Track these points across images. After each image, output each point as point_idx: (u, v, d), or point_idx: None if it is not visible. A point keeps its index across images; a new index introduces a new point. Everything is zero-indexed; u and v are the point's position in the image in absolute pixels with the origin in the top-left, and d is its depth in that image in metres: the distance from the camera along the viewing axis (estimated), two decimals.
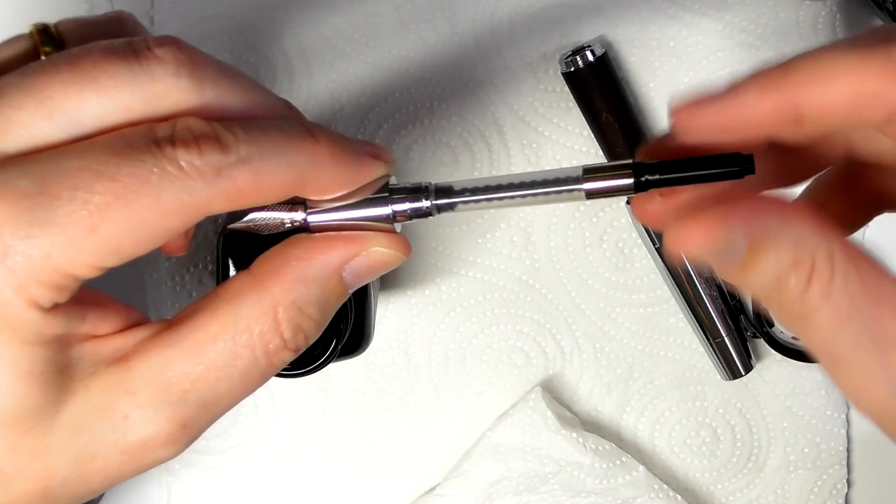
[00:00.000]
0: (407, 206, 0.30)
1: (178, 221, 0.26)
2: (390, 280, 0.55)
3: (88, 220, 0.25)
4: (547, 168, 0.54)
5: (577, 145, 0.54)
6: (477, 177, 0.54)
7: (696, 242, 0.27)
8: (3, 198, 0.25)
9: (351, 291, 0.29)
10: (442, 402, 0.56)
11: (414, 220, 0.30)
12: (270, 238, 0.41)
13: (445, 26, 0.53)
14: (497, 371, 0.56)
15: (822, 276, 0.27)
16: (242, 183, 0.26)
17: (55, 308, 0.26)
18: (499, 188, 0.30)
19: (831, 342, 0.27)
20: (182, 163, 0.25)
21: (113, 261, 0.26)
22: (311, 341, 0.29)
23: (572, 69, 0.51)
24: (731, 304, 0.55)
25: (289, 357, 0.28)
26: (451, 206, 0.30)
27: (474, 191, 0.30)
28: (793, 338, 0.55)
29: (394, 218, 0.30)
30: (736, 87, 0.28)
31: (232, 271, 0.44)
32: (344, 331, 0.44)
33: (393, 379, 0.56)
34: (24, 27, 0.31)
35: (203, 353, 0.27)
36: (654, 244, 0.53)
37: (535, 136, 0.54)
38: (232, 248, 0.45)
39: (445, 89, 0.53)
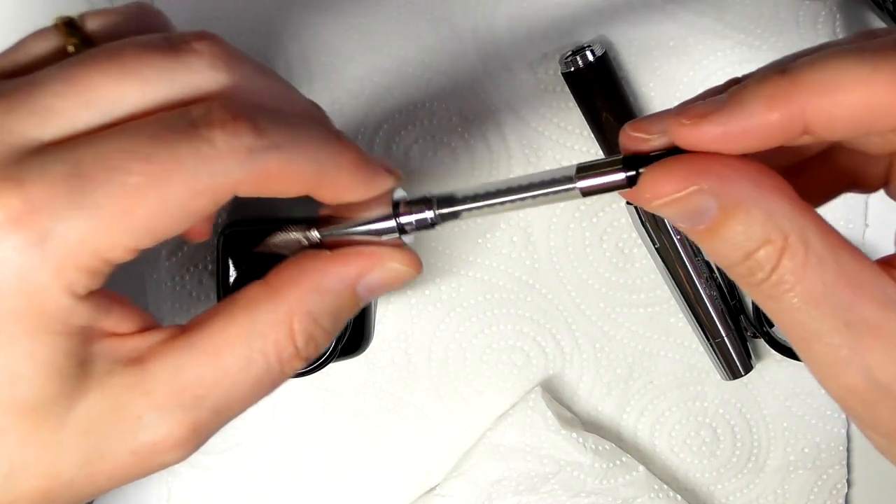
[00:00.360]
0: (412, 218, 0.31)
1: (209, 201, 0.26)
2: None
3: (125, 202, 0.25)
4: (546, 168, 0.54)
5: (577, 145, 0.54)
6: (476, 178, 0.54)
7: (664, 193, 0.28)
8: (40, 182, 0.25)
9: (363, 305, 0.30)
10: (442, 402, 0.56)
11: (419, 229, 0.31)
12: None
13: (445, 27, 0.53)
14: (497, 371, 0.56)
15: (796, 254, 0.27)
16: (273, 168, 0.27)
17: (87, 297, 0.26)
18: (498, 193, 0.30)
19: (802, 323, 0.27)
20: (218, 143, 0.26)
21: (147, 242, 0.26)
22: (321, 351, 0.29)
23: (572, 69, 0.51)
24: (731, 304, 0.55)
25: (300, 365, 0.29)
26: (454, 216, 0.31)
27: (475, 197, 0.31)
28: None
29: (401, 231, 0.30)
30: (741, 99, 0.27)
31: (232, 271, 0.44)
32: (344, 331, 0.44)
33: (393, 379, 0.56)
34: (23, 26, 0.31)
35: (219, 359, 0.27)
36: (653, 244, 0.53)
37: (535, 136, 0.54)
38: (232, 248, 0.45)
39: (445, 90, 0.53)
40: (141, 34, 0.28)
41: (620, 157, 0.29)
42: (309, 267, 0.29)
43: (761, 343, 0.55)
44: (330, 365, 0.44)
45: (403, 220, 0.31)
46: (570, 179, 0.30)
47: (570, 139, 0.54)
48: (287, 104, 0.29)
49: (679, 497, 0.56)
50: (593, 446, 0.55)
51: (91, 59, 0.27)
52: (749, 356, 0.55)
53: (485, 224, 0.55)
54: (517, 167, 0.54)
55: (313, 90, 0.53)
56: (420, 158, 0.54)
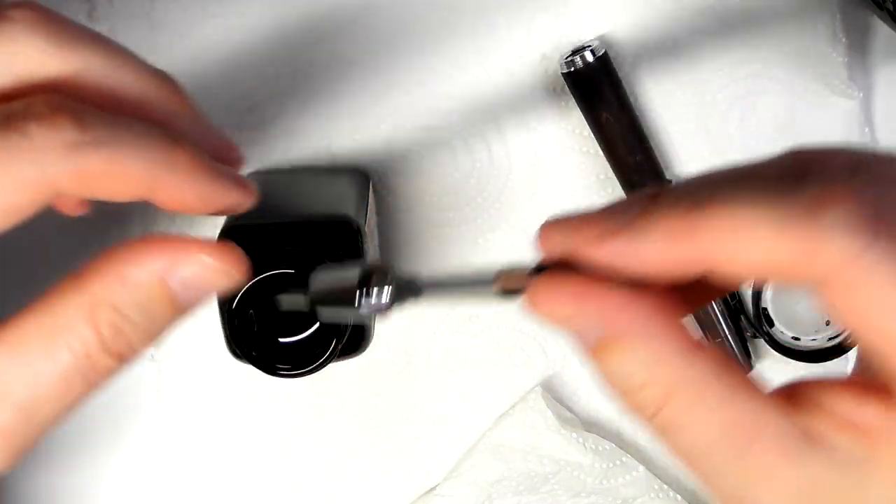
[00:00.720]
0: (373, 300, 0.30)
1: (28, 198, 0.25)
2: None
3: None
4: (545, 167, 0.54)
5: (577, 145, 0.54)
6: (477, 178, 0.54)
7: (548, 309, 0.26)
8: None
9: (186, 305, 0.28)
10: (442, 402, 0.56)
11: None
12: (274, 249, 0.41)
13: (444, 27, 0.53)
14: (497, 371, 0.56)
15: (684, 398, 0.25)
16: (95, 165, 0.25)
17: None
18: (432, 286, 0.30)
19: (695, 463, 0.25)
20: (34, 136, 0.25)
21: None
22: (139, 349, 0.27)
23: (572, 69, 0.51)
24: (731, 304, 0.55)
25: (113, 364, 0.27)
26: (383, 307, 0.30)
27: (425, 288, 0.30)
28: (793, 338, 0.55)
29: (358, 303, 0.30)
30: (644, 226, 0.25)
31: None
32: (344, 331, 0.44)
33: (393, 379, 0.56)
34: None
35: (20, 354, 0.26)
36: None
37: (535, 136, 0.54)
38: None
39: (445, 90, 0.53)
40: None
41: (536, 265, 0.29)
42: (116, 256, 0.27)
43: (761, 343, 0.55)
44: (330, 365, 0.44)
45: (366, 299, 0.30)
46: (488, 284, 0.29)
47: (570, 139, 0.54)
48: (123, 72, 0.28)
49: (679, 497, 0.56)
50: (593, 446, 0.55)
51: None
52: (749, 356, 0.55)
53: (485, 224, 0.55)
54: (517, 167, 0.54)
55: (313, 90, 0.53)
56: (420, 159, 0.54)
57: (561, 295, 0.26)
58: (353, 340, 0.46)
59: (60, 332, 0.26)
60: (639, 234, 0.25)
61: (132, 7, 0.52)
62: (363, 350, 0.49)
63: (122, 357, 0.27)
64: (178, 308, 0.28)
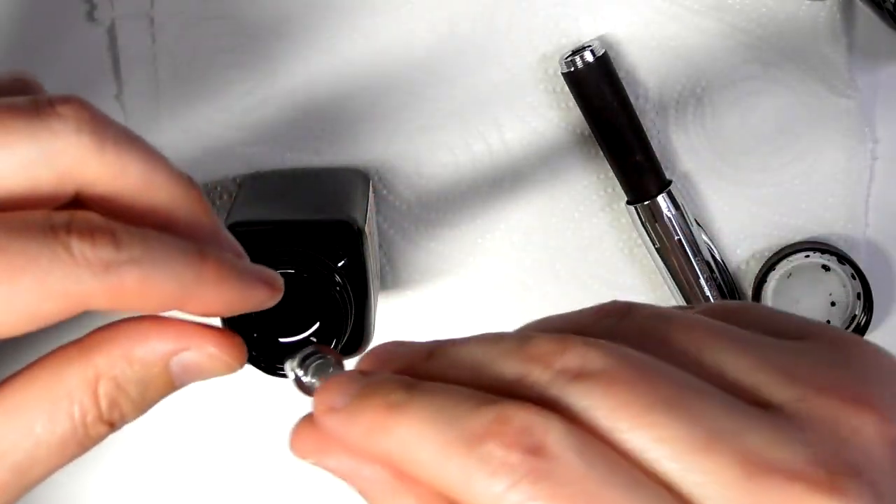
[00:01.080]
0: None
1: (58, 308, 0.26)
2: (390, 280, 0.55)
3: None
4: (546, 171, 0.54)
5: (577, 145, 0.54)
6: (478, 178, 0.54)
7: (301, 450, 0.27)
8: None
9: (179, 385, 0.29)
10: None
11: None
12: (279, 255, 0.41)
13: (444, 27, 0.53)
14: None
15: None
16: (128, 283, 0.26)
17: None
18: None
19: None
20: (74, 250, 0.26)
21: None
22: (130, 419, 0.29)
23: (572, 69, 0.51)
24: None
25: (104, 431, 0.28)
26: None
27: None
28: None
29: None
30: (348, 412, 0.26)
31: None
32: (344, 331, 0.44)
33: None
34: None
35: (22, 417, 0.27)
36: (654, 244, 0.53)
37: (535, 137, 0.54)
38: None
39: (445, 90, 0.53)
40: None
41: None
42: (124, 332, 0.28)
43: None
44: None
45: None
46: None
47: (570, 139, 0.54)
48: (154, 173, 0.29)
49: None
50: None
51: None
52: None
53: (484, 224, 0.55)
54: (517, 167, 0.54)
55: (312, 90, 0.53)
56: (420, 159, 0.54)
57: (309, 437, 0.27)
58: (353, 340, 0.46)
59: (62, 400, 0.27)
60: (352, 416, 0.25)
61: (132, 7, 0.52)
62: (363, 350, 0.49)
63: (114, 426, 0.28)
64: (173, 387, 0.29)
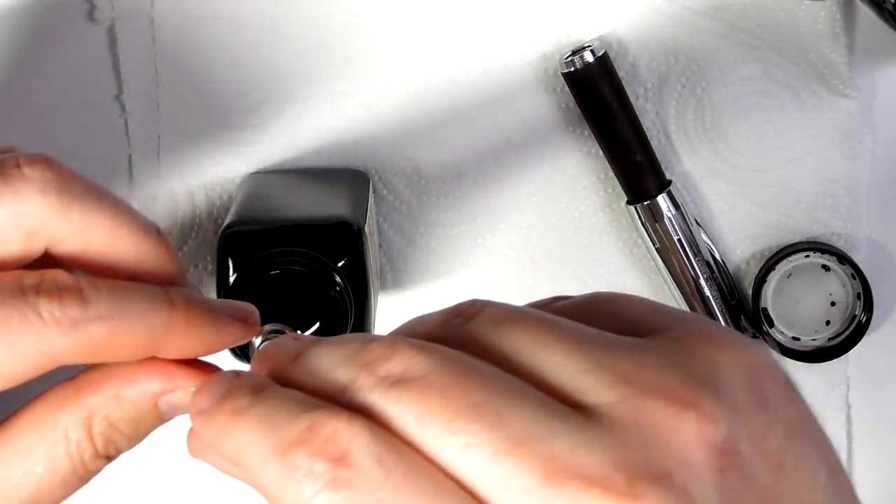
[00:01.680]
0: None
1: (31, 367, 0.27)
2: (390, 280, 0.55)
3: None
4: (546, 173, 0.54)
5: (577, 145, 0.54)
6: (478, 179, 0.54)
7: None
8: None
9: (169, 419, 0.31)
10: None
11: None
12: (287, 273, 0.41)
13: (444, 27, 0.53)
14: None
15: None
16: (98, 338, 0.27)
17: None
18: None
19: None
20: (43, 312, 0.27)
21: None
22: (124, 451, 0.30)
23: (572, 69, 0.51)
24: (731, 303, 0.55)
25: (102, 464, 0.30)
26: None
27: None
28: (793, 338, 0.55)
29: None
30: (213, 413, 0.26)
31: (232, 272, 0.44)
32: (344, 331, 0.44)
33: None
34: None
35: (24, 459, 0.28)
36: (654, 244, 0.53)
37: (535, 137, 0.54)
38: (232, 248, 0.45)
39: (445, 90, 0.53)
40: None
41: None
42: (115, 374, 0.29)
43: (761, 343, 0.55)
44: None
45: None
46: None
47: (570, 139, 0.54)
48: (121, 228, 0.30)
49: None
50: None
51: None
52: None
53: (484, 224, 0.55)
54: (518, 167, 0.54)
55: (312, 89, 0.53)
56: (420, 160, 0.54)
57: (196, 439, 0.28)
58: None
59: (60, 441, 0.29)
60: (203, 423, 0.26)
61: (132, 7, 0.52)
62: None
63: (111, 458, 0.30)
64: (162, 421, 0.31)
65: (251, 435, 0.24)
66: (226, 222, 0.46)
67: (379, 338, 0.25)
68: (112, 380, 0.29)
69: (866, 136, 0.54)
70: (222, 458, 0.25)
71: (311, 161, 0.54)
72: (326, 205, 0.49)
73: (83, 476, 0.29)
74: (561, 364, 0.24)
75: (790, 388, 0.26)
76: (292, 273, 0.43)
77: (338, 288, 0.43)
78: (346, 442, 0.23)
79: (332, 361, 0.25)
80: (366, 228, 0.46)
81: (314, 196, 0.50)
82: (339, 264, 0.44)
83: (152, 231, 0.31)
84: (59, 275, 0.28)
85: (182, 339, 0.29)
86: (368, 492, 0.22)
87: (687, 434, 0.23)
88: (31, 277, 0.28)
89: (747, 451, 0.24)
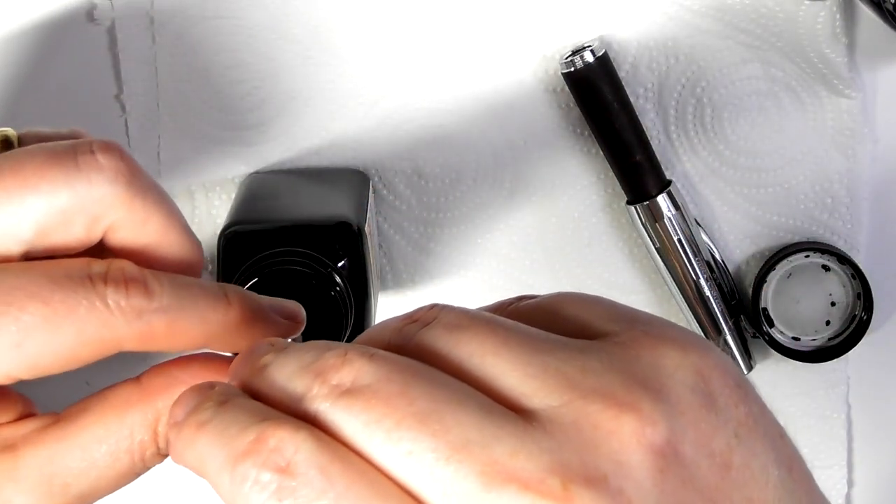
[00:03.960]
0: None
1: (94, 352, 0.29)
2: (390, 280, 0.55)
3: (15, 336, 0.28)
4: (546, 174, 0.54)
5: (577, 145, 0.54)
6: (478, 178, 0.54)
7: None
8: None
9: None
10: None
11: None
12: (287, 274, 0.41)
13: (444, 27, 0.53)
14: None
15: None
16: (158, 329, 0.29)
17: None
18: None
19: None
20: (109, 301, 0.28)
21: (27, 375, 0.28)
22: None
23: (572, 69, 0.51)
24: (731, 303, 0.55)
25: (160, 461, 0.31)
26: None
27: None
28: (793, 338, 0.55)
29: None
30: (174, 429, 0.27)
31: (232, 272, 0.44)
32: (344, 331, 0.44)
33: None
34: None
35: (87, 453, 0.30)
36: (654, 244, 0.53)
37: (535, 137, 0.54)
38: (233, 248, 0.45)
39: (445, 90, 0.53)
40: None
41: None
42: (181, 378, 0.31)
43: (761, 343, 0.55)
44: None
45: None
46: None
47: (570, 139, 0.54)
48: (169, 235, 0.31)
49: None
50: None
51: None
52: (749, 356, 0.55)
53: (483, 225, 0.55)
54: (519, 167, 0.54)
55: (312, 90, 0.53)
56: (420, 160, 0.54)
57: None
58: (354, 338, 0.46)
59: (125, 440, 0.30)
60: (175, 434, 0.27)
61: (132, 7, 0.52)
62: None
63: (165, 457, 0.31)
64: None
65: (209, 446, 0.25)
66: (226, 222, 0.46)
67: (335, 346, 0.26)
68: (179, 385, 0.30)
69: (866, 136, 0.54)
70: (190, 469, 0.26)
71: (311, 161, 0.54)
72: (326, 205, 0.49)
73: (139, 472, 0.30)
74: (507, 369, 0.25)
75: (741, 387, 0.26)
76: (292, 273, 0.43)
77: (338, 288, 0.43)
78: (290, 452, 0.23)
79: (290, 371, 0.26)
80: (366, 228, 0.46)
81: (314, 196, 0.50)
82: (339, 264, 0.44)
83: (195, 238, 0.33)
84: (125, 265, 0.29)
85: (234, 334, 0.30)
86: (312, 500, 0.23)
87: (625, 436, 0.23)
88: (98, 265, 0.29)
89: (691, 453, 0.24)
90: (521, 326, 0.26)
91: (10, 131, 0.33)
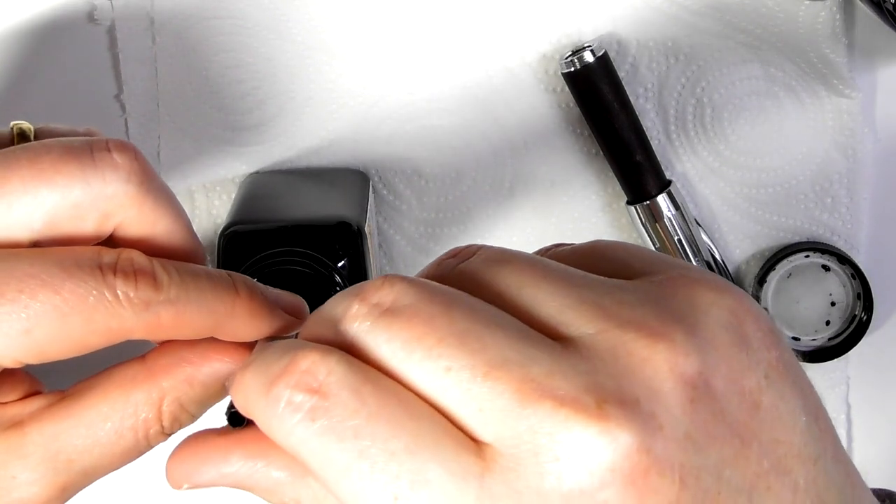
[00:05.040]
0: None
1: (101, 340, 0.29)
2: None
3: (25, 323, 0.28)
4: (547, 172, 0.54)
5: (577, 145, 0.54)
6: (480, 179, 0.54)
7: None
8: None
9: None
10: None
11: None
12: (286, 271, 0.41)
13: (444, 28, 0.53)
14: None
15: None
16: (165, 320, 0.29)
17: None
18: None
19: None
20: (118, 291, 0.29)
21: (35, 360, 0.29)
22: (185, 427, 0.32)
23: (572, 69, 0.51)
24: None
25: (163, 440, 0.31)
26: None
27: None
28: (793, 338, 0.55)
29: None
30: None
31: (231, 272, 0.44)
32: None
33: None
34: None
35: (92, 430, 0.30)
36: (654, 244, 0.53)
37: (535, 136, 0.54)
38: (232, 248, 0.45)
39: (445, 90, 0.53)
40: None
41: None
42: (186, 358, 0.31)
43: None
44: None
45: None
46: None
47: (570, 139, 0.54)
48: (175, 236, 0.32)
49: None
50: None
51: (14, 160, 0.30)
52: None
53: (482, 226, 0.55)
54: (519, 167, 0.54)
55: (312, 90, 0.53)
56: (421, 160, 0.54)
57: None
58: None
59: (129, 417, 0.30)
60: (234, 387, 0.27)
61: (132, 7, 0.52)
62: None
63: (172, 434, 0.32)
64: (223, 397, 0.32)
65: (251, 381, 0.26)
66: (226, 222, 0.46)
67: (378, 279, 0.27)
68: (184, 364, 0.31)
69: (866, 136, 0.54)
70: (241, 411, 0.27)
71: (311, 161, 0.54)
72: (326, 205, 0.49)
73: (143, 450, 0.31)
74: (546, 300, 0.26)
75: (774, 333, 0.26)
76: (292, 273, 0.43)
77: (338, 288, 0.43)
78: (323, 374, 0.24)
79: (338, 299, 0.27)
80: (366, 228, 0.46)
81: (314, 196, 0.50)
82: (339, 264, 0.44)
83: (199, 241, 0.33)
84: (134, 255, 0.30)
85: (240, 324, 0.31)
86: (345, 419, 0.24)
87: (658, 364, 0.24)
88: (109, 255, 0.29)
89: (721, 387, 0.25)
90: (560, 265, 0.27)
91: (25, 124, 0.34)
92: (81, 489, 0.31)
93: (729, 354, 0.25)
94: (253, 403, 0.25)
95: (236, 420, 0.29)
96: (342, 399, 0.24)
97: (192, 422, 0.32)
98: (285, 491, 0.28)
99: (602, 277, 0.27)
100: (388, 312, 0.25)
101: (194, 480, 0.29)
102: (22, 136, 0.34)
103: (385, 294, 0.25)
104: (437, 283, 0.26)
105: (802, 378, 0.27)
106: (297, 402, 0.24)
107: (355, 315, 0.25)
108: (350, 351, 0.25)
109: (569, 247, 0.30)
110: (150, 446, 0.31)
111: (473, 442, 0.24)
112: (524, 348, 0.24)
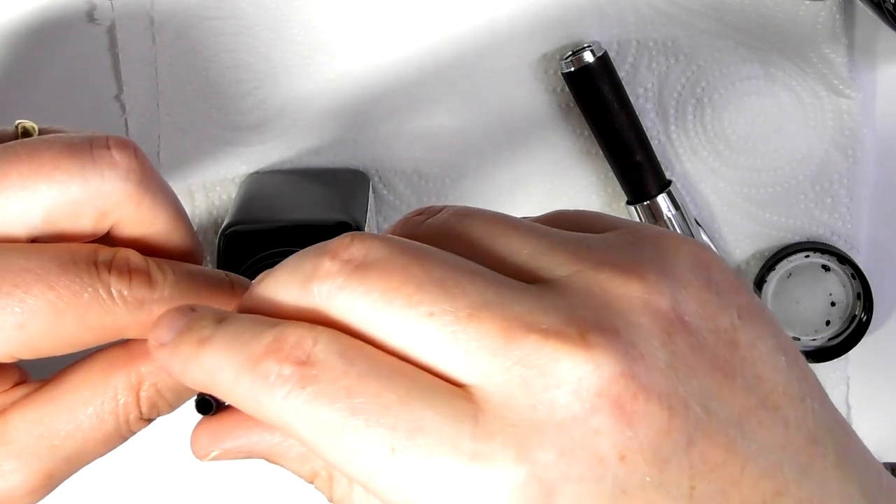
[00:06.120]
0: None
1: (95, 337, 0.29)
2: None
3: (20, 318, 0.28)
4: (548, 171, 0.54)
5: (577, 145, 0.54)
6: (480, 179, 0.54)
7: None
8: None
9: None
10: None
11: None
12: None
13: (445, 27, 0.53)
14: None
15: (340, 484, 0.29)
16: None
17: None
18: None
19: None
20: (112, 289, 0.29)
21: (28, 356, 0.29)
22: (164, 415, 0.32)
23: (572, 69, 0.51)
24: None
25: (142, 427, 0.32)
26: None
27: None
28: (793, 338, 0.55)
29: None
30: (176, 344, 0.28)
31: (231, 272, 0.44)
32: None
33: None
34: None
35: (74, 414, 0.30)
36: None
37: (535, 137, 0.54)
38: (232, 248, 0.45)
39: (446, 90, 0.53)
40: None
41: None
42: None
43: None
44: None
45: None
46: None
47: (570, 139, 0.54)
48: (173, 235, 0.32)
49: None
50: None
51: (14, 155, 0.30)
52: None
53: None
54: (519, 167, 0.54)
55: (311, 90, 0.53)
56: (421, 160, 0.54)
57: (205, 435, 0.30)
58: None
59: (110, 401, 0.31)
60: (169, 354, 0.27)
61: (132, 7, 0.52)
62: None
63: (151, 420, 0.32)
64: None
65: (220, 357, 0.25)
66: (226, 222, 0.46)
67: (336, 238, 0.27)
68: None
69: (866, 136, 0.54)
70: (192, 385, 0.27)
71: (311, 161, 0.54)
72: (326, 205, 0.49)
73: (124, 436, 0.31)
74: (518, 248, 0.26)
75: (739, 280, 0.27)
76: None
77: None
78: (309, 345, 0.25)
79: (301, 258, 0.26)
80: (366, 228, 0.46)
81: (314, 196, 0.50)
82: None
83: (198, 240, 0.33)
84: (130, 254, 0.30)
85: None
86: (333, 382, 0.24)
87: (633, 299, 0.25)
88: (105, 253, 0.30)
89: (695, 323, 0.25)
90: (527, 220, 0.28)
91: (30, 123, 0.34)
92: (67, 477, 0.31)
93: (699, 295, 0.26)
94: (229, 381, 0.25)
95: (204, 406, 0.29)
96: (330, 363, 0.24)
97: (171, 411, 0.32)
98: (316, 458, 0.28)
99: (570, 232, 0.27)
100: (362, 266, 0.25)
101: (223, 445, 0.29)
102: (26, 135, 0.34)
103: (357, 250, 0.25)
104: (404, 238, 0.26)
105: (774, 322, 0.27)
106: (286, 374, 0.24)
107: (327, 272, 0.25)
108: (326, 309, 0.25)
109: (531, 217, 0.30)
110: (131, 432, 0.31)
111: (461, 388, 0.24)
112: (503, 290, 0.25)
